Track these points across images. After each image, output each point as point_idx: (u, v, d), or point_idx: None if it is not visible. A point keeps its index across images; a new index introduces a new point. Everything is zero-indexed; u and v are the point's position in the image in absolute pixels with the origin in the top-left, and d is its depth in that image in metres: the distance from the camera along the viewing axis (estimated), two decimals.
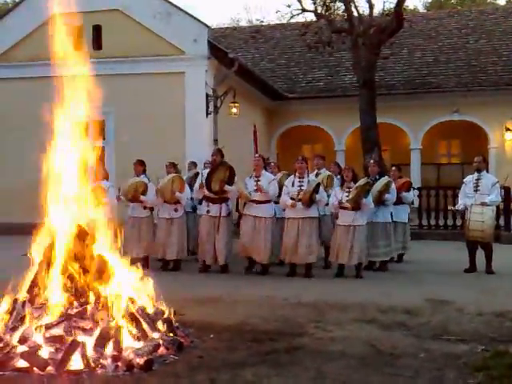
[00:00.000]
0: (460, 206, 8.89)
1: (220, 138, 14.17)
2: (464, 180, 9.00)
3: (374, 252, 8.61)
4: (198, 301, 6.39)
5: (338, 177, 9.07)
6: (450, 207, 10.47)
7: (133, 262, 5.09)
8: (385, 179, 8.82)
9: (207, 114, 13.99)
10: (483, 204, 8.40)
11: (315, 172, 9.29)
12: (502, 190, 11.63)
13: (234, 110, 14.98)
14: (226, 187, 8.58)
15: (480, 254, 8.67)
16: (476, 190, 8.58)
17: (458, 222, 12.61)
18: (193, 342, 4.73)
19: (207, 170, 8.98)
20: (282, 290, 7.15)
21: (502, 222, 12.77)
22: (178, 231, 8.98)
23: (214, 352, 4.49)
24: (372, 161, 9.80)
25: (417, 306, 6.16)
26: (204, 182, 8.64)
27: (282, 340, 4.82)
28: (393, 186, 8.91)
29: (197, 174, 9.69)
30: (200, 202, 9.28)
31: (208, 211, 8.72)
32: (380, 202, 8.62)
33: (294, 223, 8.25)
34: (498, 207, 10.00)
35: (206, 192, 8.64)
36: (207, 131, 14.09)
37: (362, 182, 8.23)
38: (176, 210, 8.98)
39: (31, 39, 14.38)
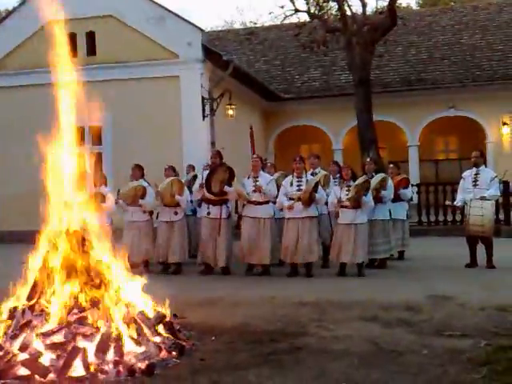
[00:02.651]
0: (458, 202, 8.86)
1: (217, 141, 14.17)
2: (462, 175, 8.98)
3: (373, 250, 8.60)
4: (199, 303, 6.37)
5: (338, 176, 9.04)
6: (447, 202, 10.42)
7: (133, 266, 5.08)
8: (380, 176, 8.81)
9: (204, 116, 13.98)
10: (482, 198, 8.39)
11: (310, 171, 9.27)
12: (501, 185, 11.62)
13: (231, 112, 14.99)
14: (226, 188, 8.58)
15: (481, 249, 8.65)
16: (475, 185, 8.56)
17: (458, 218, 12.60)
18: (194, 344, 4.71)
19: (207, 172, 8.96)
20: (283, 291, 7.13)
21: (501, 216, 12.77)
22: (178, 234, 8.98)
23: (215, 354, 4.47)
24: (368, 159, 9.80)
25: (419, 303, 6.15)
26: (204, 183, 8.64)
27: (284, 340, 4.80)
28: (389, 182, 8.90)
29: (195, 177, 9.69)
30: (199, 205, 9.26)
31: (208, 213, 8.71)
32: (377, 199, 8.60)
33: (294, 223, 8.23)
34: (497, 201, 9.99)
35: (206, 193, 8.64)
36: (204, 134, 14.08)
37: (360, 180, 8.22)
38: (176, 214, 8.98)
39: (25, 47, 14.38)
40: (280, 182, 8.66)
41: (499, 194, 9.15)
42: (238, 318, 5.64)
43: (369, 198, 8.20)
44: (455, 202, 9.12)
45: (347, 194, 8.18)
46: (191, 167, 10.83)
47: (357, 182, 8.15)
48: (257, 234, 8.44)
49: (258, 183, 8.48)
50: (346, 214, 8.21)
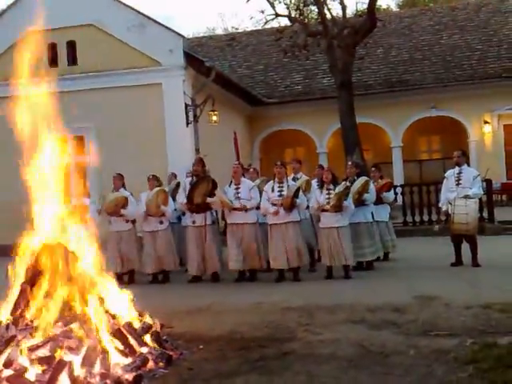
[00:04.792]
0: (443, 205, 8.88)
1: (201, 147, 14.16)
2: (445, 175, 9.04)
3: (359, 252, 8.60)
4: (186, 312, 6.34)
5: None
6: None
7: (117, 276, 5.05)
8: (362, 179, 8.80)
9: (187, 123, 13.96)
10: (466, 197, 8.46)
11: (292, 176, 9.29)
12: (484, 183, 11.72)
13: (214, 118, 14.97)
14: (208, 200, 8.53)
15: (466, 248, 8.72)
16: (458, 184, 8.62)
17: (443, 218, 12.67)
18: (182, 354, 4.69)
19: (189, 179, 8.93)
20: (270, 296, 7.13)
21: (485, 214, 12.88)
22: (164, 243, 8.96)
23: (203, 363, 4.46)
24: (350, 162, 9.78)
25: (405, 304, 6.17)
26: (186, 196, 8.59)
27: (272, 346, 4.81)
28: (371, 185, 8.93)
29: (178, 184, 9.66)
30: (184, 213, 9.23)
31: (193, 222, 8.67)
32: (359, 202, 8.63)
33: (278, 229, 8.23)
34: (481, 200, 10.06)
35: (187, 207, 8.62)
36: (188, 141, 14.05)
37: (341, 187, 8.19)
38: (161, 223, 8.96)
39: (5, 58, 14.25)
40: (262, 188, 8.64)
41: (482, 192, 9.22)
42: (226, 325, 5.63)
43: (349, 202, 8.23)
44: (440, 204, 9.13)
45: (328, 198, 8.20)
46: (173, 175, 10.80)
47: (337, 190, 8.13)
48: (241, 239, 8.42)
49: (239, 194, 8.46)
50: (327, 218, 8.23)
